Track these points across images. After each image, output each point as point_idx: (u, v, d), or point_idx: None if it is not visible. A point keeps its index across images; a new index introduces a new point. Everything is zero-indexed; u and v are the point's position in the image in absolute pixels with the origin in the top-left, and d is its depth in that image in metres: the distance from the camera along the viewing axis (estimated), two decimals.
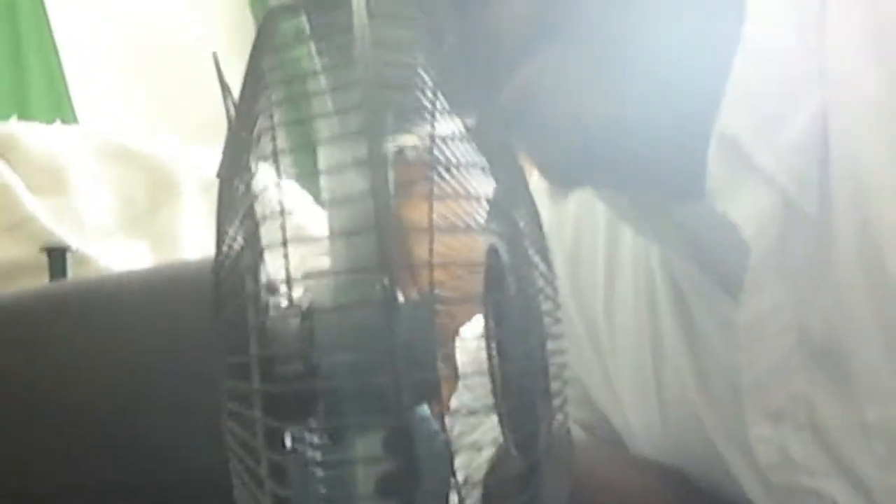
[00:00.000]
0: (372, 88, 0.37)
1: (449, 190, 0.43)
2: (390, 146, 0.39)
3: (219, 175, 0.44)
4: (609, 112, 0.55)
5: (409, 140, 0.43)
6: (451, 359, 0.61)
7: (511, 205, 0.45)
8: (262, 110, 0.40)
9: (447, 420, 0.45)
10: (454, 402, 0.60)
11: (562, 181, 0.62)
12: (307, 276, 0.41)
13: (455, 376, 0.58)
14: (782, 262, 0.57)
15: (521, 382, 0.43)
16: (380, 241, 0.36)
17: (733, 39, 0.56)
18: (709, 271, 0.62)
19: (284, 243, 0.41)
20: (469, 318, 0.61)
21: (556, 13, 0.55)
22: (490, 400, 0.44)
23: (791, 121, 0.55)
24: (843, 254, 0.56)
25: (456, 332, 0.48)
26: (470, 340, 0.50)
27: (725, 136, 0.55)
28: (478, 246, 0.46)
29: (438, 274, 0.42)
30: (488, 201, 0.44)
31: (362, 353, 0.38)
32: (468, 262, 0.44)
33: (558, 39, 0.55)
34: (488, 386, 0.45)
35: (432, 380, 0.41)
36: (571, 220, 0.75)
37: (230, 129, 0.43)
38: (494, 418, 0.44)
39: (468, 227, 0.43)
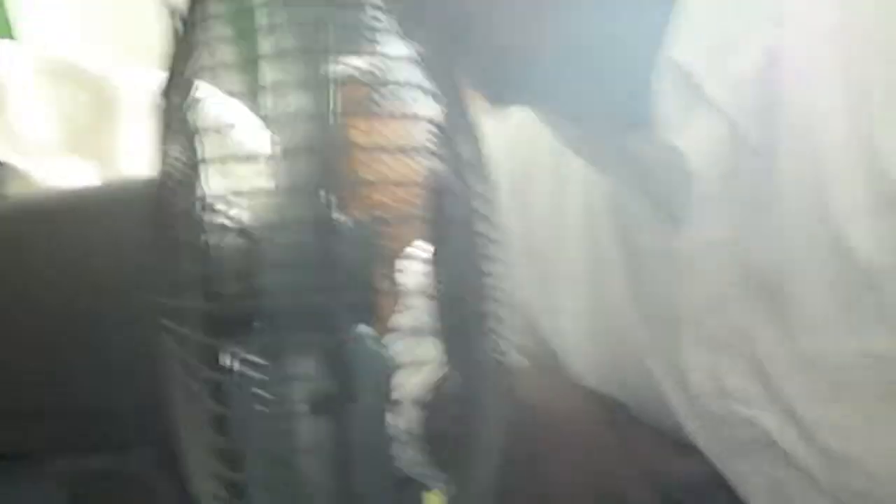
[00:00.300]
0: (315, 28, 0.36)
1: (395, 111, 0.43)
2: (337, 66, 0.39)
3: (162, 93, 0.43)
4: (547, 35, 0.55)
5: (358, 61, 0.42)
6: (393, 278, 0.62)
7: (454, 130, 0.45)
8: (202, 22, 0.40)
9: (388, 339, 0.45)
10: (396, 322, 0.60)
11: (501, 101, 0.61)
12: (247, 194, 0.40)
13: (398, 296, 0.58)
14: (727, 193, 0.57)
15: (460, 303, 0.44)
16: (319, 159, 0.35)
17: None
18: (653, 199, 0.63)
19: (226, 159, 0.40)
20: (412, 240, 0.61)
21: None
22: (431, 320, 0.45)
23: (743, 53, 0.56)
24: (787, 187, 0.56)
25: (400, 253, 0.47)
26: (414, 262, 0.51)
27: (674, 64, 0.55)
28: (421, 168, 0.45)
29: (382, 195, 0.42)
30: (432, 124, 0.44)
31: (300, 272, 0.38)
32: (411, 181, 0.43)
33: None
34: (430, 306, 0.45)
35: (370, 298, 0.41)
36: (519, 150, 0.75)
37: (172, 42, 0.42)
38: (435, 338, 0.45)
39: (412, 149, 0.43)
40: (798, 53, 0.55)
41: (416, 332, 0.45)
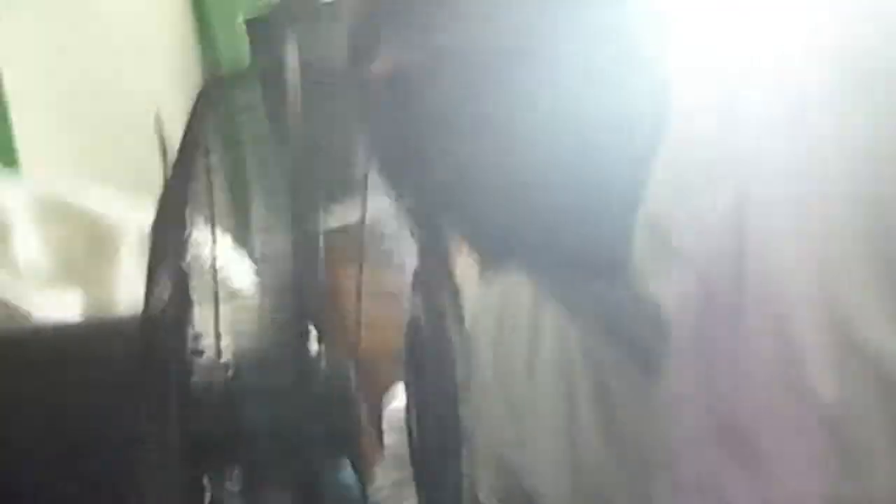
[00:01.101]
0: (304, 160, 0.39)
1: (378, 259, 0.45)
2: (321, 216, 0.41)
3: (153, 229, 0.45)
4: (534, 195, 0.58)
5: (345, 217, 0.45)
6: (375, 419, 0.63)
7: (432, 278, 0.47)
8: (197, 169, 0.42)
9: (371, 490, 0.46)
10: (379, 474, 0.61)
11: (490, 258, 0.64)
12: (232, 330, 0.42)
13: (380, 439, 0.59)
14: (699, 341, 0.59)
15: (436, 448, 0.45)
16: (302, 299, 0.37)
17: (657, 123, 0.59)
18: (628, 347, 0.64)
19: (215, 298, 0.42)
20: (389, 380, 0.62)
21: (485, 100, 0.57)
22: (408, 461, 0.46)
23: (710, 203, 0.58)
24: (755, 337, 0.57)
25: (378, 393, 0.49)
26: (395, 412, 0.52)
27: (649, 216, 0.58)
28: (400, 312, 0.47)
29: (362, 336, 0.44)
30: (414, 274, 0.46)
31: (279, 406, 0.39)
32: (390, 325, 0.45)
33: (486, 124, 0.57)
34: (406, 447, 0.46)
35: (347, 434, 0.42)
36: (496, 302, 0.77)
37: (164, 184, 0.44)
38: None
39: (393, 294, 0.45)
40: (758, 197, 0.57)
41: (397, 480, 0.46)
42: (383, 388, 0.69)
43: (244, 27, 2.90)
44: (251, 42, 2.90)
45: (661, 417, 0.61)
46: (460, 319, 0.47)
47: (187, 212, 0.42)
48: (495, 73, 0.58)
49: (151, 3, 3.06)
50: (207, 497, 0.43)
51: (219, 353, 0.44)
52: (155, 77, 2.97)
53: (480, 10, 0.58)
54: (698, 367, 0.59)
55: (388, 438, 0.66)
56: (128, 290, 0.92)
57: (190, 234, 0.43)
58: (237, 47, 2.94)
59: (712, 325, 0.58)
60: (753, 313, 0.57)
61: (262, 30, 2.86)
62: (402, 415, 0.48)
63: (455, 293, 0.49)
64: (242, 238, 0.45)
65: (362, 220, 0.44)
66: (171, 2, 3.11)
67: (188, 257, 0.42)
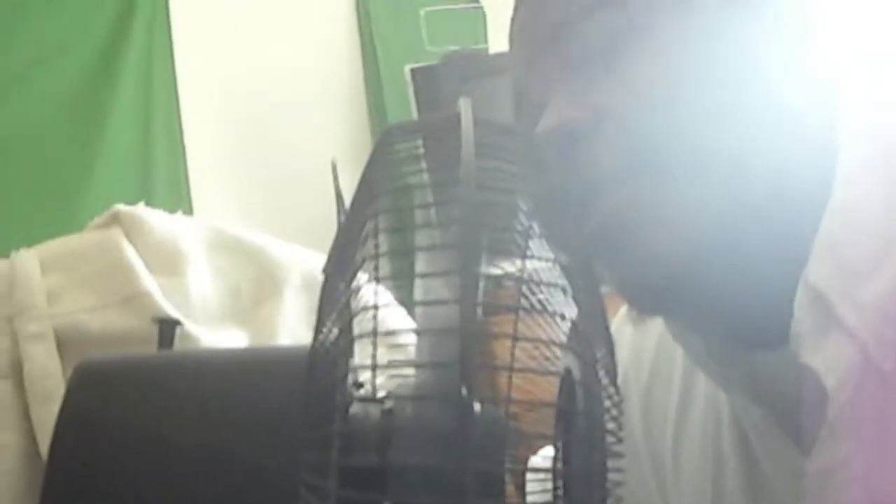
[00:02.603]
0: (470, 227, 0.40)
1: (533, 330, 0.46)
2: (484, 268, 0.43)
3: (324, 271, 0.48)
4: (693, 251, 0.58)
5: (504, 268, 0.46)
6: (520, 487, 0.64)
7: (589, 330, 0.48)
8: (369, 216, 0.44)
9: None
10: None
11: (642, 309, 0.64)
12: (391, 368, 0.44)
13: (522, 490, 0.60)
14: (856, 416, 0.58)
15: (580, 501, 0.45)
16: (460, 342, 0.39)
17: (822, 193, 0.58)
18: (778, 418, 0.64)
19: (374, 333, 0.44)
20: (542, 429, 0.63)
21: (648, 149, 0.58)
22: None
23: (874, 280, 0.57)
24: None
25: (529, 442, 0.50)
26: (540, 464, 0.52)
27: (811, 286, 0.57)
28: (556, 362, 0.48)
29: (516, 408, 0.45)
30: (571, 323, 0.47)
31: (433, 447, 0.41)
32: (546, 373, 0.46)
33: (650, 174, 0.58)
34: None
35: (498, 481, 0.43)
36: (649, 361, 0.77)
37: (339, 229, 0.47)
38: None
39: (550, 342, 0.46)
40: None
41: None
42: (529, 439, 0.69)
43: (410, 76, 2.98)
44: (416, 92, 2.97)
45: (810, 493, 0.60)
46: (614, 373, 0.48)
47: (358, 257, 0.45)
48: (655, 126, 0.59)
49: (323, 52, 3.18)
50: None
51: (374, 389, 0.46)
52: (325, 127, 3.09)
53: (644, 77, 0.59)
54: (854, 443, 0.58)
55: (530, 488, 0.66)
56: (289, 330, 0.96)
57: (359, 278, 0.45)
58: (402, 97, 3.03)
59: (872, 398, 0.57)
60: None
61: (428, 80, 2.93)
62: (548, 467, 0.49)
63: (610, 346, 0.50)
64: (403, 284, 0.47)
65: (521, 270, 0.46)
66: (342, 52, 3.22)
67: (355, 300, 0.45)
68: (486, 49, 3.09)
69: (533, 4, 0.65)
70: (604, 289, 0.54)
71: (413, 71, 3.00)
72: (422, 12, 3.08)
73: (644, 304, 0.63)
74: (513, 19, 0.66)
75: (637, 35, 0.60)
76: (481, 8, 3.21)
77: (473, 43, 3.09)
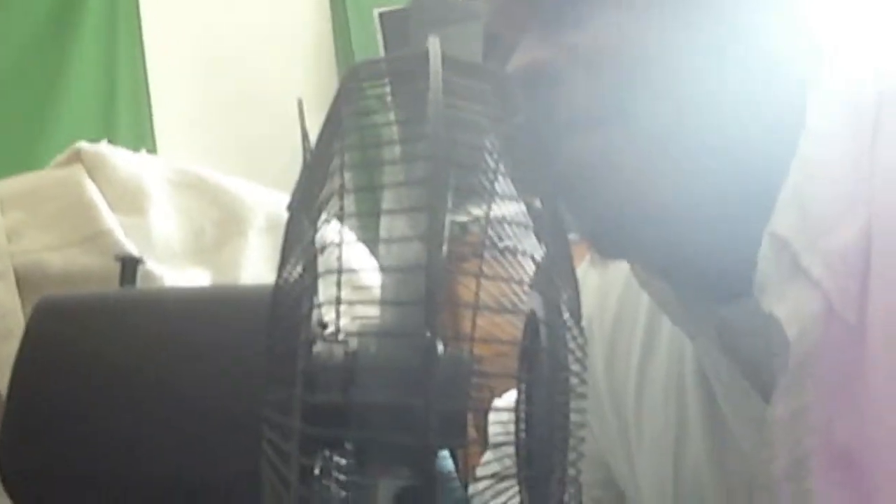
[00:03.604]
0: (439, 165, 0.40)
1: (498, 272, 0.46)
2: (449, 220, 0.42)
3: (289, 208, 0.47)
4: (659, 197, 0.58)
5: (467, 217, 0.46)
6: (482, 428, 0.64)
7: (554, 271, 0.48)
8: (335, 152, 0.44)
9: (471, 487, 0.47)
10: (480, 471, 0.62)
11: (605, 253, 0.64)
12: (355, 304, 0.44)
13: (485, 445, 0.60)
14: (818, 366, 0.58)
15: (543, 453, 0.46)
16: (428, 284, 0.39)
17: (789, 146, 0.59)
18: (742, 367, 0.64)
19: (338, 276, 0.44)
20: (505, 368, 0.63)
21: (620, 95, 0.58)
22: (514, 468, 0.47)
23: (838, 232, 0.57)
24: (873, 368, 0.56)
25: (492, 383, 0.50)
26: (502, 412, 0.53)
27: (776, 235, 0.57)
28: (518, 327, 0.48)
29: (480, 349, 0.45)
30: (535, 263, 0.47)
31: (396, 386, 0.41)
32: (509, 339, 0.46)
33: (620, 120, 0.58)
34: (513, 455, 0.47)
35: (461, 419, 0.43)
36: (614, 306, 0.77)
37: (304, 166, 0.46)
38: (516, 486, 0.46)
39: (514, 281, 0.46)
40: (886, 239, 0.56)
41: (499, 476, 0.47)
42: (493, 380, 0.70)
43: (379, 21, 2.95)
44: (384, 36, 2.95)
45: (770, 437, 0.60)
46: (578, 315, 0.48)
47: (322, 195, 0.44)
48: (627, 73, 0.58)
49: None
50: (317, 469, 0.45)
51: (338, 328, 0.46)
52: (292, 69, 3.06)
53: (617, 25, 0.59)
54: (815, 391, 0.59)
55: (493, 430, 0.66)
56: (253, 272, 0.96)
57: (323, 217, 0.45)
58: (370, 40, 3.00)
59: (834, 349, 0.58)
60: (876, 344, 0.56)
61: (397, 24, 2.90)
62: (511, 407, 0.49)
63: (575, 290, 0.50)
64: (368, 222, 0.47)
65: (487, 214, 0.45)
66: None
67: (319, 238, 0.44)
68: None
69: None
70: (571, 236, 0.54)
71: (382, 15, 2.97)
72: None
73: (608, 247, 0.63)
74: None
75: None
76: None
77: None
